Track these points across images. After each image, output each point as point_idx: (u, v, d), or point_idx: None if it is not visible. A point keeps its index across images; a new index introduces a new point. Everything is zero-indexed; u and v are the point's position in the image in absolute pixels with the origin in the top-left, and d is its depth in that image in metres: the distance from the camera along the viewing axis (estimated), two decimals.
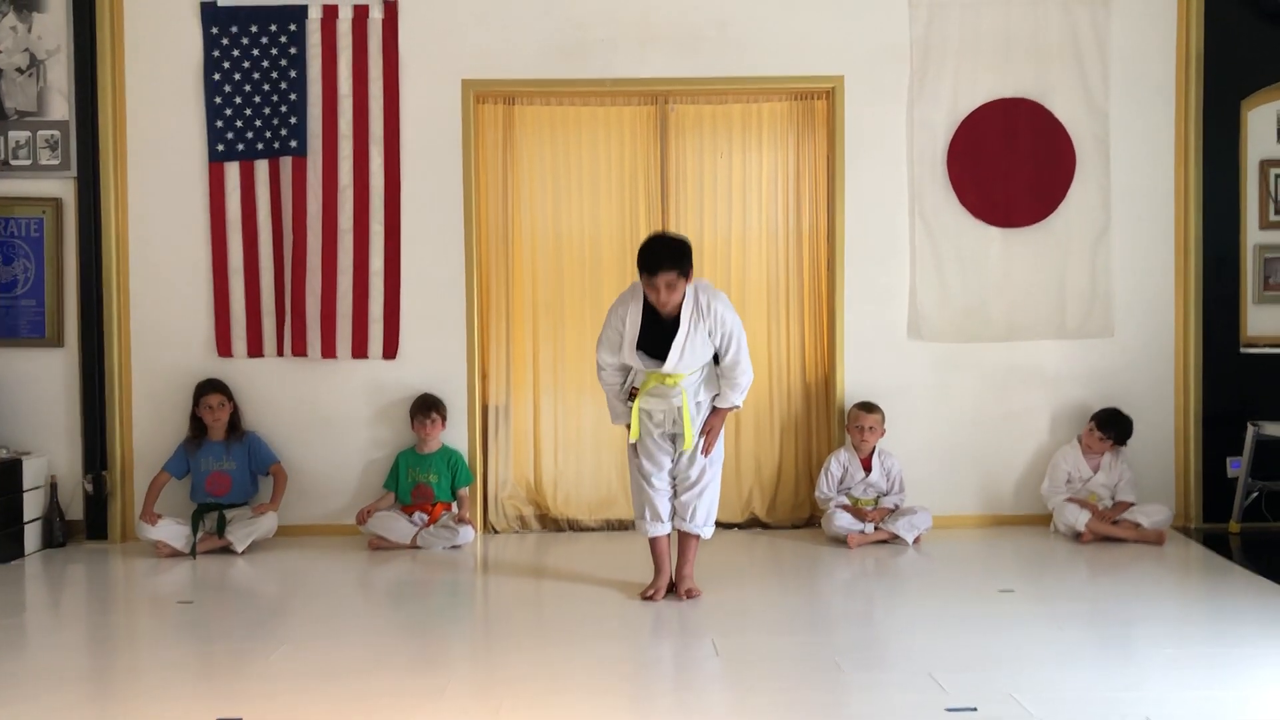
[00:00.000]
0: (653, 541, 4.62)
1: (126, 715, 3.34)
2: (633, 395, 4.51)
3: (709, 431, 4.54)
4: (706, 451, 4.54)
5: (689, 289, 4.37)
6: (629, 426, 4.54)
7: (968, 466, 5.94)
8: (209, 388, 5.69)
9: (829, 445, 5.93)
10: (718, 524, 5.72)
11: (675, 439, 4.56)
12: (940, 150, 5.90)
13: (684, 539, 4.63)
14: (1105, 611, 4.36)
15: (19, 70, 5.75)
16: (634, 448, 4.62)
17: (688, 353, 4.37)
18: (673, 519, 4.61)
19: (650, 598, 4.55)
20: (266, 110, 5.81)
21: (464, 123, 5.83)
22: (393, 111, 5.80)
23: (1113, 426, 5.72)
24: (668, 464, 4.60)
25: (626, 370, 4.55)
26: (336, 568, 5.19)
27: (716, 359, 4.49)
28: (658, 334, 4.39)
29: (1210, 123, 5.87)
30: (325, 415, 5.86)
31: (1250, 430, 5.73)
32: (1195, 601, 4.57)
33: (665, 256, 4.29)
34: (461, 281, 5.85)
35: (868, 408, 5.74)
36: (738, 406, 4.58)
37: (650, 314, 4.40)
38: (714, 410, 4.56)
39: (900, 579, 4.99)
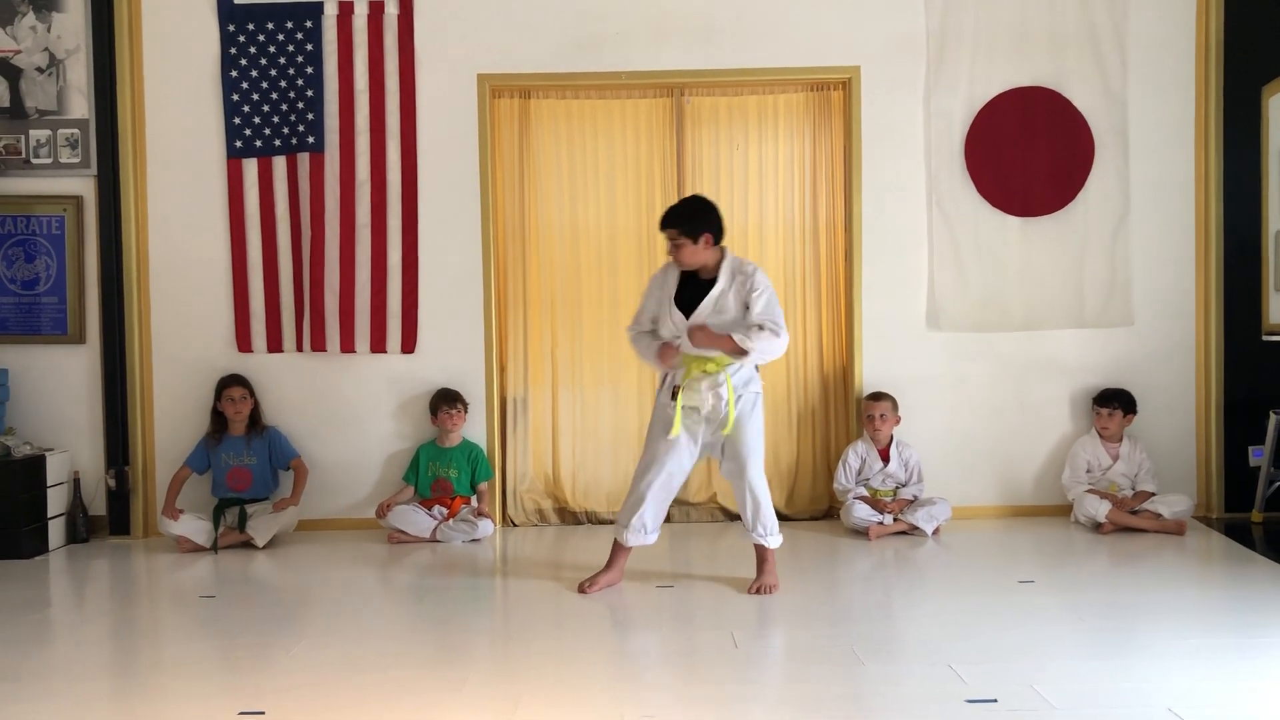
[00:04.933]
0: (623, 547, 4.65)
1: (151, 709, 3.37)
2: (675, 394, 4.48)
3: (699, 329, 4.35)
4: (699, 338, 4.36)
5: (729, 257, 4.46)
6: (671, 422, 4.48)
7: (987, 457, 5.93)
8: (231, 381, 5.73)
9: (847, 436, 5.92)
10: (736, 516, 5.72)
11: (710, 445, 4.56)
12: (957, 140, 5.87)
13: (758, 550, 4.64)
14: (1126, 602, 4.34)
15: (39, 70, 5.79)
16: (660, 438, 4.57)
17: (720, 312, 4.39)
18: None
19: (584, 590, 4.56)
20: (284, 107, 5.83)
21: (480, 117, 5.83)
22: (409, 107, 5.82)
23: (1115, 398, 5.72)
24: (688, 464, 4.60)
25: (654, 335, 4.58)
26: (356, 562, 5.22)
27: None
28: (696, 296, 4.45)
29: (1231, 109, 5.82)
30: (345, 410, 5.89)
31: (1273, 419, 5.69)
32: (1217, 592, 4.54)
33: (669, 215, 4.48)
34: (479, 275, 5.86)
35: (876, 396, 5.74)
36: (745, 349, 4.31)
37: (690, 279, 4.49)
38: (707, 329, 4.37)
39: (919, 570, 4.98)
